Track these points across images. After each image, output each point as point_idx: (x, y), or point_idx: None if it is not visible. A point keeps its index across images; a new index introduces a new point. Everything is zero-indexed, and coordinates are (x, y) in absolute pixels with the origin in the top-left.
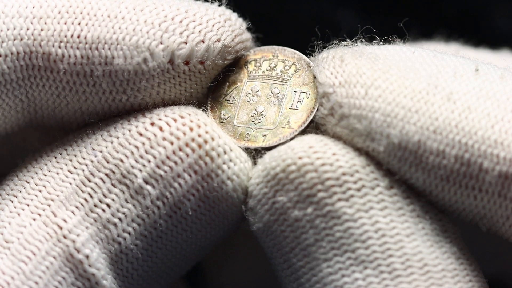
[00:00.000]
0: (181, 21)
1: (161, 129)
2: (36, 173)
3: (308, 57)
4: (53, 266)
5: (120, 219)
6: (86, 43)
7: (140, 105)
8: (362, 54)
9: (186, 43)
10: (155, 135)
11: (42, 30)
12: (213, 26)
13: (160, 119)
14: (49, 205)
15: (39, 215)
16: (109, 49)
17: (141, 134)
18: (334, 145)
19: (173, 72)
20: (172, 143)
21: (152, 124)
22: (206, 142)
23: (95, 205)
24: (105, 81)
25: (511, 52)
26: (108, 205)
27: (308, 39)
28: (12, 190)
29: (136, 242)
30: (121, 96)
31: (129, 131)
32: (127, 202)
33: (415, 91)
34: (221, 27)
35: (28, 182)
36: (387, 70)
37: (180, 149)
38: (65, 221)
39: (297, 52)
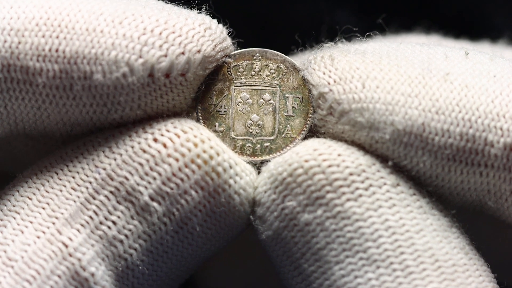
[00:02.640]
0: (160, 33)
1: (165, 145)
2: (38, 189)
3: (291, 57)
4: (58, 285)
5: (126, 236)
6: (65, 57)
7: (122, 118)
8: (349, 51)
9: (166, 56)
10: (159, 152)
11: (19, 43)
12: (193, 36)
13: (162, 135)
14: (53, 223)
15: (43, 232)
16: (88, 64)
17: (144, 151)
18: (338, 146)
19: (153, 85)
20: (177, 160)
21: (155, 140)
22: (211, 157)
23: (101, 223)
24: (85, 95)
25: (490, 44)
26: (114, 223)
27: (291, 40)
28: (14, 206)
29: (142, 258)
30: (102, 109)
31: (132, 147)
32: (133, 219)
33: (411, 77)
34: (201, 37)
35: (30, 199)
36: (379, 61)
37: (186, 166)
38: (70, 239)
39: (279, 53)
